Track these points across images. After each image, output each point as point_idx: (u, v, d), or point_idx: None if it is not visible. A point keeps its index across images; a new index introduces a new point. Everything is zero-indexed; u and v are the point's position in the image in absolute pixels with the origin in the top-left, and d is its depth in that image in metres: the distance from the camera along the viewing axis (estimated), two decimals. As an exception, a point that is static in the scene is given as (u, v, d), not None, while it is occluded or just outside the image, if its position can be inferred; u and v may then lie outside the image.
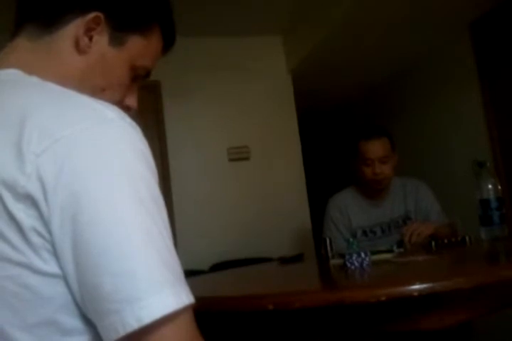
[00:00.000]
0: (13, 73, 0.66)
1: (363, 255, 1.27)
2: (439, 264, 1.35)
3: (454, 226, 2.07)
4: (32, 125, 0.55)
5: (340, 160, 4.65)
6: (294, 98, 3.73)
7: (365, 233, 2.24)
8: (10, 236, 0.54)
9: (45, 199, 0.53)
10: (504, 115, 2.89)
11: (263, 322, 1.08)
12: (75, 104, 0.59)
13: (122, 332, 0.52)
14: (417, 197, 2.23)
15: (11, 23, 0.73)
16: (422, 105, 3.67)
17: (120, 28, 0.72)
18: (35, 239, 0.54)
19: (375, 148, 2.16)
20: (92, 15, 0.69)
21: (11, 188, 0.53)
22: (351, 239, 1.90)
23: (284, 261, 1.88)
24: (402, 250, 1.62)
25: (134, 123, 0.59)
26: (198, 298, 0.57)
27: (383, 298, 0.87)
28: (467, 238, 1.66)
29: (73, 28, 0.69)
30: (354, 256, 1.27)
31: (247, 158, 3.55)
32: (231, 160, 3.53)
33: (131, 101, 0.79)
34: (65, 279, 0.55)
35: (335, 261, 1.54)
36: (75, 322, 0.56)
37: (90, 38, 0.70)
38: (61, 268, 0.54)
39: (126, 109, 0.76)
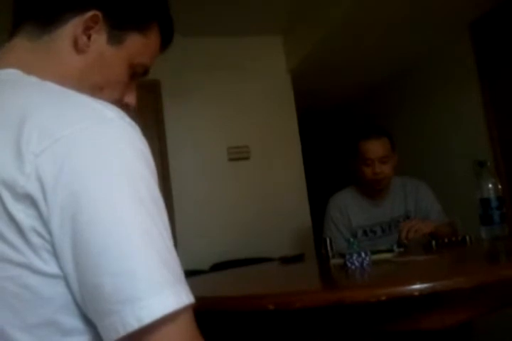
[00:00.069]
0: (12, 73, 0.65)
1: (363, 255, 1.27)
2: (440, 264, 1.35)
3: (454, 225, 2.07)
4: (31, 125, 0.55)
5: (340, 159, 4.65)
6: (294, 98, 3.73)
7: (365, 233, 2.24)
8: (10, 237, 0.54)
9: (45, 199, 0.53)
10: (504, 115, 2.89)
11: (264, 322, 1.08)
12: (75, 104, 0.59)
13: (123, 332, 0.52)
14: (417, 197, 2.23)
15: (9, 23, 0.72)
16: (422, 105, 3.67)
17: (118, 26, 0.72)
18: (35, 240, 0.54)
19: (375, 148, 2.16)
20: (90, 13, 0.69)
21: (11, 188, 0.53)
22: (351, 239, 1.90)
23: (285, 260, 1.88)
24: (402, 249, 1.62)
25: (133, 123, 0.59)
26: (198, 298, 0.57)
27: (383, 298, 0.87)
28: (467, 237, 1.66)
29: (71, 27, 0.69)
30: (354, 256, 1.27)
31: (247, 158, 3.55)
32: (231, 159, 3.53)
33: (130, 98, 0.79)
34: (65, 279, 0.55)
35: (335, 261, 1.54)
36: (75, 322, 0.56)
37: (89, 37, 0.70)
38: (61, 268, 0.54)
39: (125, 106, 0.77)
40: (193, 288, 0.57)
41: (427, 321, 0.96)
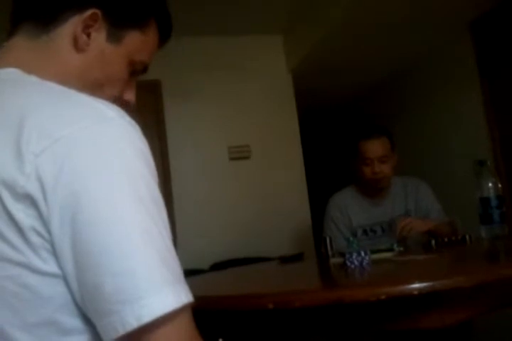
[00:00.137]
0: (12, 72, 0.65)
1: (362, 254, 1.28)
2: (439, 263, 1.35)
3: (454, 224, 2.07)
4: (31, 125, 0.55)
5: (341, 159, 4.65)
6: (294, 97, 3.73)
7: (365, 232, 2.24)
8: (9, 237, 0.54)
9: (45, 199, 0.53)
10: (504, 114, 2.89)
11: (263, 321, 1.08)
12: (75, 103, 0.59)
13: (122, 331, 0.52)
14: (417, 197, 2.23)
15: (7, 23, 0.72)
16: (422, 105, 3.67)
17: (117, 24, 0.72)
18: (35, 239, 0.54)
19: (375, 147, 2.16)
20: (89, 12, 0.69)
21: (11, 188, 0.53)
22: (351, 238, 1.90)
23: (284, 260, 1.88)
24: (402, 249, 1.62)
25: (133, 122, 0.59)
26: (198, 297, 0.57)
27: (383, 297, 0.87)
28: (467, 236, 1.66)
29: (71, 26, 0.69)
30: (354, 255, 1.27)
31: (247, 157, 3.55)
32: (232, 159, 3.53)
33: (130, 96, 0.79)
34: (64, 279, 0.55)
35: (335, 260, 1.54)
36: (74, 321, 0.56)
37: (88, 35, 0.70)
38: (60, 267, 0.54)
39: (124, 104, 0.77)
40: (193, 288, 0.58)
41: (427, 320, 0.96)
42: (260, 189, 3.53)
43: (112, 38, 0.72)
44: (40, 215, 0.53)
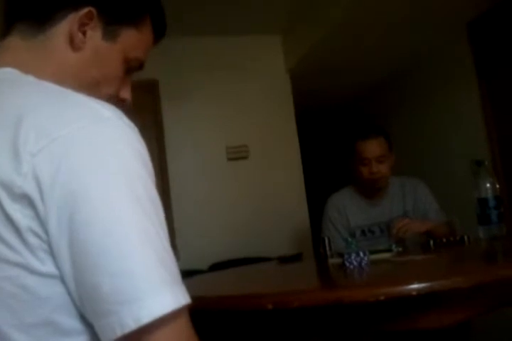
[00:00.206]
0: (9, 72, 0.65)
1: (361, 254, 1.28)
2: (438, 263, 1.35)
3: (452, 225, 2.07)
4: (28, 125, 0.55)
5: (339, 159, 4.65)
6: (293, 98, 3.73)
7: (363, 232, 2.24)
8: (7, 237, 0.54)
9: (42, 198, 0.53)
10: (502, 114, 2.89)
11: (262, 322, 1.09)
12: (72, 103, 0.59)
13: (120, 333, 0.52)
14: (416, 197, 2.23)
15: (1, 23, 0.72)
16: (422, 105, 3.67)
17: (113, 21, 0.72)
18: (32, 240, 0.54)
19: (372, 147, 2.16)
20: (84, 10, 0.69)
21: (8, 188, 0.53)
22: (349, 239, 1.90)
23: (283, 260, 1.88)
24: (400, 249, 1.62)
25: (131, 124, 0.59)
26: (197, 298, 0.58)
27: (382, 298, 0.87)
28: (465, 237, 1.66)
29: (66, 25, 0.69)
30: (353, 256, 1.27)
31: (245, 157, 3.55)
32: (230, 159, 3.53)
33: (126, 94, 0.79)
34: (62, 279, 0.55)
35: (333, 261, 1.55)
36: (72, 322, 0.56)
37: (84, 34, 0.70)
38: (58, 268, 0.54)
39: (121, 102, 0.77)
40: (192, 288, 0.58)
41: (425, 321, 0.96)
42: (258, 189, 3.53)
43: (108, 36, 0.72)
44: (37, 215, 0.53)
